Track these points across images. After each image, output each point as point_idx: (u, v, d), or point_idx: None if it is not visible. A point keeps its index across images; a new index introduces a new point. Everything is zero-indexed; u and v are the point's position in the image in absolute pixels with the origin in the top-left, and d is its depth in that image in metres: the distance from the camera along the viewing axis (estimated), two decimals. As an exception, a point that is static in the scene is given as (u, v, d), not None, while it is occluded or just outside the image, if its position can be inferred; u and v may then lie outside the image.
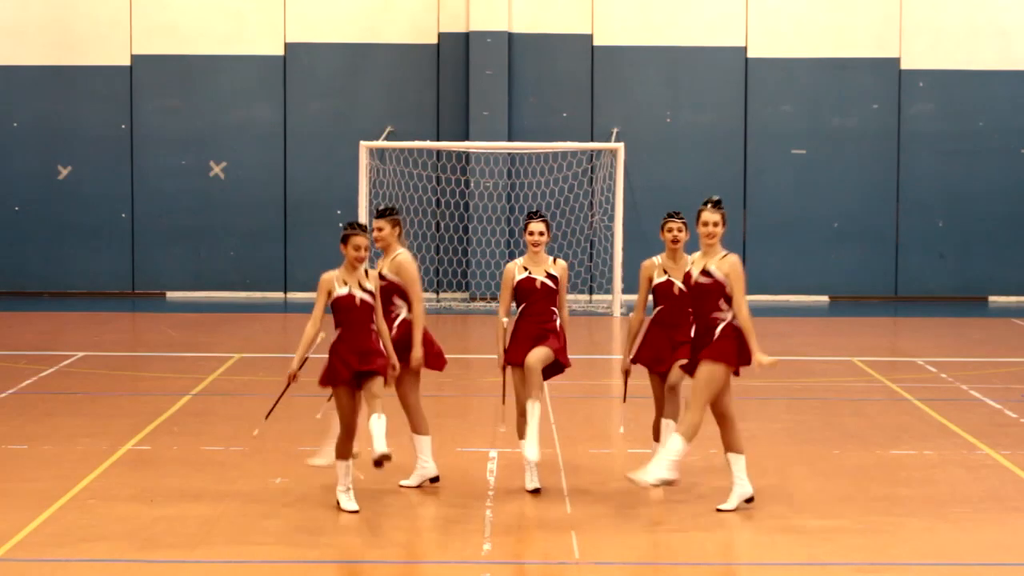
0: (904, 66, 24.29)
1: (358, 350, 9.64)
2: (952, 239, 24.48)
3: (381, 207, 10.60)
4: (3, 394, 14.52)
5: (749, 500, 9.95)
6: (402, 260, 10.42)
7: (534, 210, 11.07)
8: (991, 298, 24.54)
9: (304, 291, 23.86)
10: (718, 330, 9.75)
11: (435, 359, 10.61)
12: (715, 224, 9.98)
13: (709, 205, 10.04)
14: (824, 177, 24.38)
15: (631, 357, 10.51)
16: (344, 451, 9.79)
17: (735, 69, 24.31)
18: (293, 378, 9.88)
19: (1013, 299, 24.45)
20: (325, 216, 24.12)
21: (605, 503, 10.11)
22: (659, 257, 10.52)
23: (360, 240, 9.67)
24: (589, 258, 23.89)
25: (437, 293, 24.11)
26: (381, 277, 10.32)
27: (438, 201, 24.07)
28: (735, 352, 9.75)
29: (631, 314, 10.59)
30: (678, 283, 10.32)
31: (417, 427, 10.58)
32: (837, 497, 10.41)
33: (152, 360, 17.23)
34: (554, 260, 10.71)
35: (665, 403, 10.40)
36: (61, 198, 24.42)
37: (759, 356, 9.62)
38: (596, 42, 24.28)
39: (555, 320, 10.57)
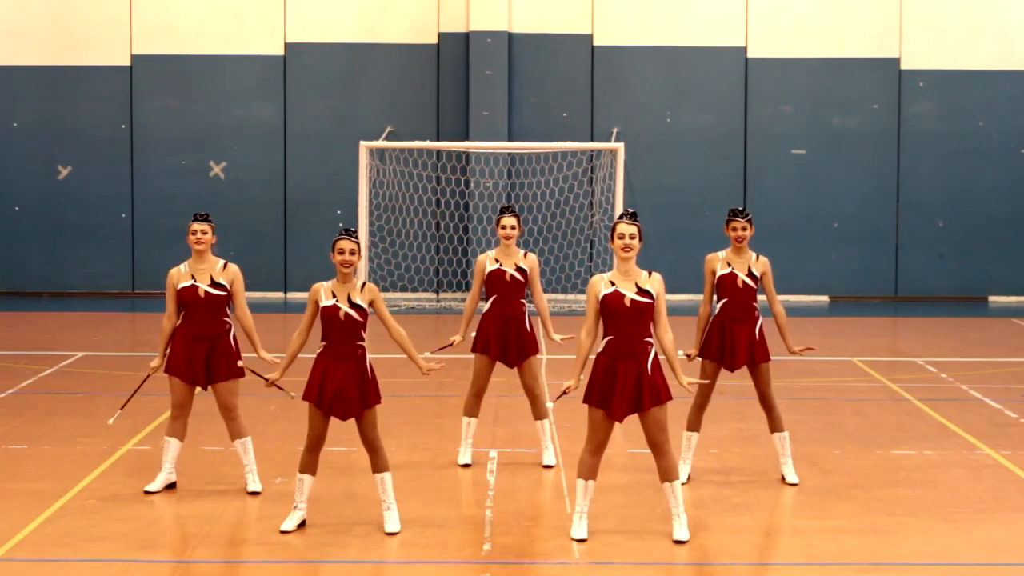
0: (904, 66, 24.29)
1: (340, 375, 9.28)
2: (952, 239, 24.48)
3: (202, 212, 10.52)
4: (3, 394, 14.52)
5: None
6: (237, 269, 10.42)
7: (506, 205, 11.48)
8: (991, 298, 24.54)
9: (304, 291, 23.84)
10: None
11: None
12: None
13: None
14: (824, 177, 24.38)
15: (697, 351, 10.74)
16: (306, 465, 9.48)
17: (735, 69, 24.31)
18: (270, 384, 9.69)
19: (1013, 299, 24.45)
20: (325, 216, 24.12)
21: (605, 503, 10.11)
22: (723, 252, 10.81)
23: (343, 244, 9.34)
24: (589, 258, 23.89)
25: (437, 293, 24.11)
26: (219, 285, 10.29)
27: (438, 201, 24.08)
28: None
29: (700, 307, 10.86)
30: (742, 275, 10.66)
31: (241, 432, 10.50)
32: (837, 497, 10.41)
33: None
34: (524, 254, 11.26)
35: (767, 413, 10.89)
36: (61, 198, 24.42)
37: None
38: (596, 42, 24.28)
39: (523, 312, 11.24)
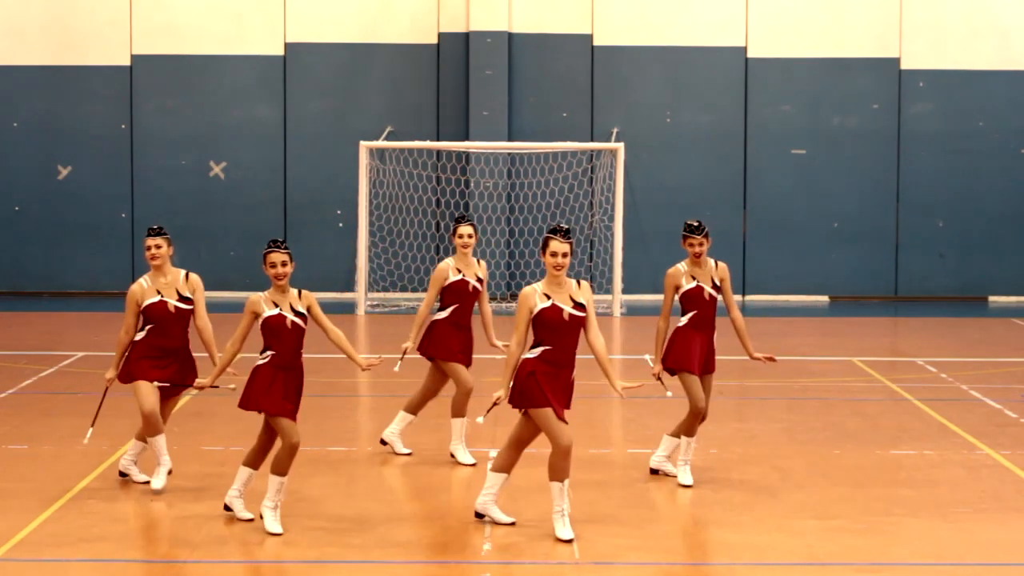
0: (904, 66, 24.29)
1: (294, 380, 9.40)
2: (952, 239, 24.48)
3: (156, 226, 10.57)
4: (3, 394, 14.53)
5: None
6: (198, 279, 10.54)
7: (462, 214, 11.65)
8: (991, 298, 24.54)
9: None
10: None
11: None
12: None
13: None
14: (824, 177, 24.38)
15: (664, 364, 10.61)
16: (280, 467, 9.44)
17: (735, 69, 24.31)
18: (202, 388, 10.06)
19: (1013, 299, 24.45)
20: (325, 216, 24.11)
21: (605, 503, 10.11)
22: (683, 264, 10.76)
23: (274, 256, 9.34)
24: (589, 258, 23.88)
25: (437, 293, 24.08)
26: (186, 299, 10.43)
27: (438, 201, 24.07)
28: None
29: (659, 321, 10.73)
30: (708, 288, 10.65)
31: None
32: (837, 497, 10.41)
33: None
34: (479, 262, 11.59)
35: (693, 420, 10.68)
36: (61, 198, 24.42)
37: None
38: (596, 42, 24.28)
39: (472, 319, 11.57)
